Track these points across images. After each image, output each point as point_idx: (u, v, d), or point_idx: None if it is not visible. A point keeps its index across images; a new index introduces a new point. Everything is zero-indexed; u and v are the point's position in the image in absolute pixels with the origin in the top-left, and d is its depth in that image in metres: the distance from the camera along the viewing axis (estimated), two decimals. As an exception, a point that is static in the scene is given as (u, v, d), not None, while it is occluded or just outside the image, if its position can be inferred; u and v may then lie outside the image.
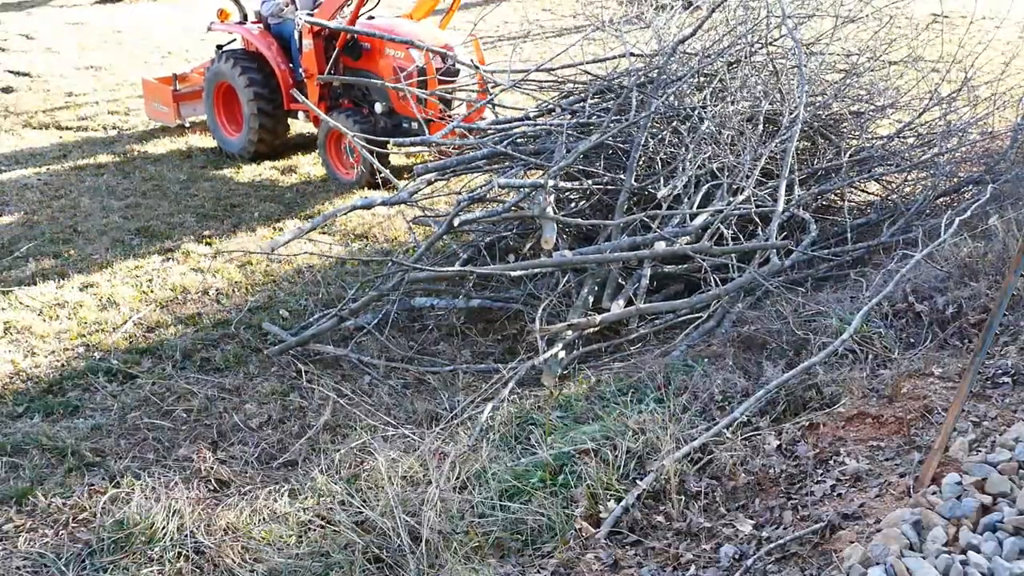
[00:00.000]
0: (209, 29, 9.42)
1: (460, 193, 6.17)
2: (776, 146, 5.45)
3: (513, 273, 5.25)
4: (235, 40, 9.32)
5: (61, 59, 12.72)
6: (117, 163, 9.04)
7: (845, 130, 6.50)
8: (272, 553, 3.36)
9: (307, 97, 8.36)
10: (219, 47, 9.25)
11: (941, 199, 5.98)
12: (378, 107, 8.14)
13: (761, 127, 5.64)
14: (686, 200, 5.42)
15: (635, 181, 5.57)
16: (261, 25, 8.97)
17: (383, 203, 5.84)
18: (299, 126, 9.46)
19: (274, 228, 7.38)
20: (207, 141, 9.58)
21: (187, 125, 9.81)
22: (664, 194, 5.35)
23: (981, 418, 3.31)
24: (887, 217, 5.81)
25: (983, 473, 2.84)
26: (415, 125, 7.66)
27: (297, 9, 8.67)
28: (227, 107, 9.11)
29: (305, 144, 9.37)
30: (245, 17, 9.22)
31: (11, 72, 11.91)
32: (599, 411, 3.90)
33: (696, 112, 5.82)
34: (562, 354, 4.65)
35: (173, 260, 6.76)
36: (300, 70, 8.52)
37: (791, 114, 5.59)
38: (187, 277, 6.45)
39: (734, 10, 6.49)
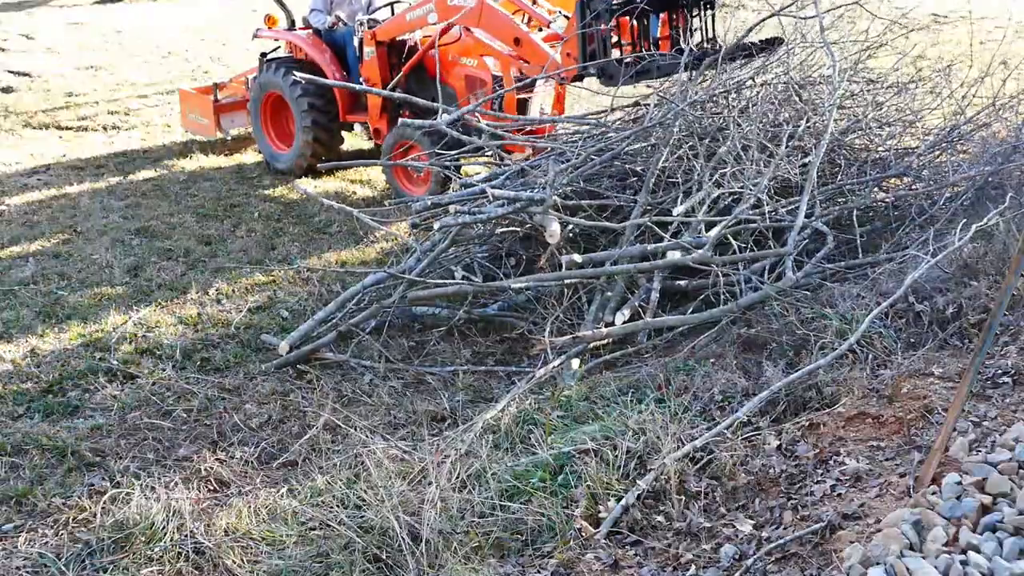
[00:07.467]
0: (255, 36, 9.02)
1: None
2: (797, 166, 5.40)
3: (516, 285, 5.21)
4: (279, 47, 8.92)
5: (61, 59, 12.72)
6: (117, 163, 9.04)
7: (864, 146, 6.44)
8: (272, 553, 3.36)
9: (367, 109, 8.09)
10: (263, 55, 8.80)
11: (954, 204, 5.91)
12: (444, 118, 7.81)
13: (784, 147, 5.57)
14: (698, 205, 5.37)
15: (653, 191, 5.49)
16: (311, 31, 8.52)
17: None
18: (354, 140, 9.10)
19: (274, 227, 7.38)
20: (213, 160, 9.49)
21: (228, 138, 9.40)
22: (681, 211, 5.24)
23: (981, 418, 3.31)
24: (900, 224, 5.72)
25: (983, 473, 2.85)
26: (483, 137, 7.38)
27: (346, 22, 8.33)
28: (276, 119, 8.66)
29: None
30: (293, 23, 8.80)
31: (11, 72, 11.92)
32: (599, 411, 3.90)
33: (717, 129, 5.75)
34: (575, 363, 4.62)
35: (173, 260, 6.76)
36: (361, 80, 8.01)
37: (816, 128, 5.55)
38: (187, 277, 6.45)
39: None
